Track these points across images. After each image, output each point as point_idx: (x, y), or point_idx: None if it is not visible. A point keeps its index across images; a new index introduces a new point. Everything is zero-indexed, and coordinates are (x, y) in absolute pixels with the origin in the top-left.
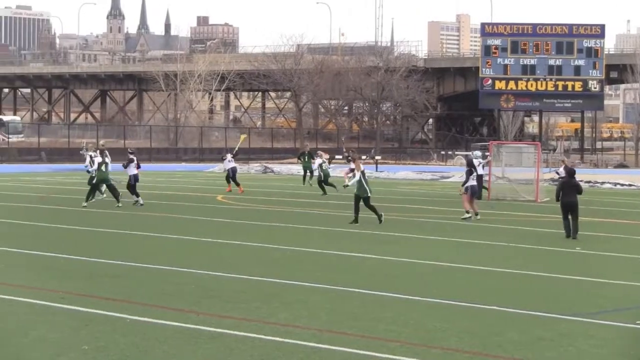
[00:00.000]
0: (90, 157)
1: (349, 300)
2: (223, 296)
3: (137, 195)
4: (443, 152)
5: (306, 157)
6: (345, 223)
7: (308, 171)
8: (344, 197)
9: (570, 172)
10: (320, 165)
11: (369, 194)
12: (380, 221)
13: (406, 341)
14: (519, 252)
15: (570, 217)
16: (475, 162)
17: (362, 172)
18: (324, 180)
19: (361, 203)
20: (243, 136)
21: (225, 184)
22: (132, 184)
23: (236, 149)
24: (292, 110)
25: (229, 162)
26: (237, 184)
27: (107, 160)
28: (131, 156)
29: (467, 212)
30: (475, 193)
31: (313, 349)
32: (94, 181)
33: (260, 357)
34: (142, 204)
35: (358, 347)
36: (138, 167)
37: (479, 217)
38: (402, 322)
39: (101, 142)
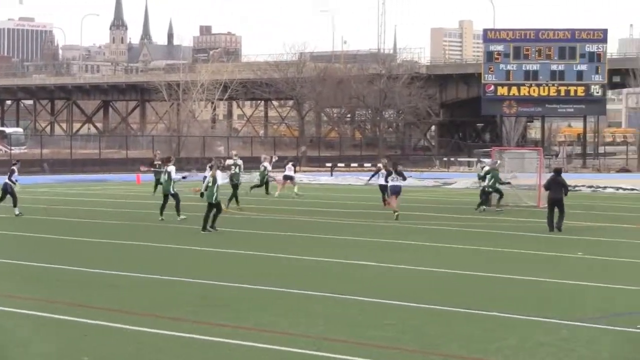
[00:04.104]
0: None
1: (348, 308)
2: (219, 304)
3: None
4: (445, 159)
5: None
6: (350, 232)
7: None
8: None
9: (557, 170)
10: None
11: (210, 200)
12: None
13: (406, 348)
14: (521, 257)
15: (557, 211)
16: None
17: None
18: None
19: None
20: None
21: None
22: (9, 192)
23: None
24: (294, 118)
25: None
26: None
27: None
28: (13, 167)
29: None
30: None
31: (311, 357)
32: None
33: None
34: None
35: (357, 355)
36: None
37: None
38: (402, 329)
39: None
